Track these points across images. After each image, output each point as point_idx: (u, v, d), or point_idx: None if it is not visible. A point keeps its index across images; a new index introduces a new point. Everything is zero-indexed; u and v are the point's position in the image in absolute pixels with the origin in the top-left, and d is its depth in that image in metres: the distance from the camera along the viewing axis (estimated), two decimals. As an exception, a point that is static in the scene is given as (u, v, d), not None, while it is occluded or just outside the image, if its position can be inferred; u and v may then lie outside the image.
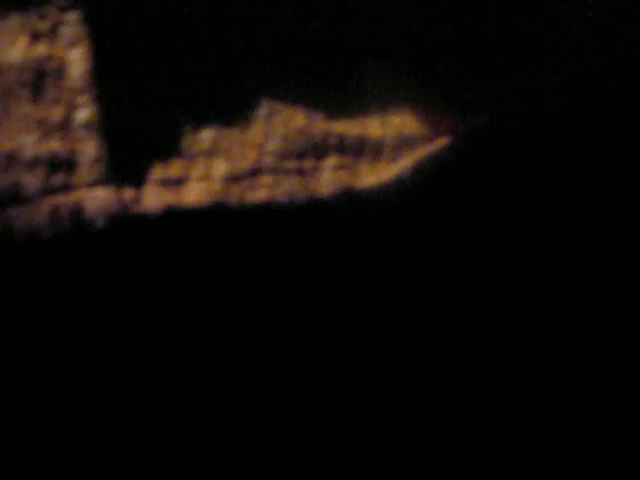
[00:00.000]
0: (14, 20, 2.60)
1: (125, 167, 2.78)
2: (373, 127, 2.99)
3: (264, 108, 2.89)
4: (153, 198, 2.80)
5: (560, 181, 3.06)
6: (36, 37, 2.62)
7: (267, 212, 2.86)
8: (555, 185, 3.06)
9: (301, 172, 2.93)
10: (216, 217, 2.79)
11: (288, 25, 2.85)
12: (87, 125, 2.71)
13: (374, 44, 2.89)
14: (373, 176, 2.95)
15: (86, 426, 2.47)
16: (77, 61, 2.69)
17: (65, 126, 2.68)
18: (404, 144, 2.99)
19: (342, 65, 2.90)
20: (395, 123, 2.98)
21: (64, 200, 2.70)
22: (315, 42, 2.91)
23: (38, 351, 2.65)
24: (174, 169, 2.84)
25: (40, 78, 2.65)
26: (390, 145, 2.99)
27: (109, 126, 2.74)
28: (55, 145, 2.67)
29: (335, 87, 2.92)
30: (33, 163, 2.66)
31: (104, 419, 2.50)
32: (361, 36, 2.88)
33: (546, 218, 3.07)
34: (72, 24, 2.65)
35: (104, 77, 2.73)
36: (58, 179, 2.69)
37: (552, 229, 3.05)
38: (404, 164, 2.96)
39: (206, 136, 2.86)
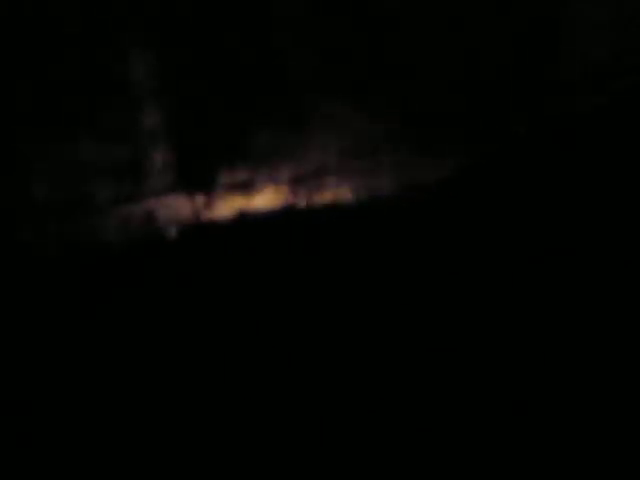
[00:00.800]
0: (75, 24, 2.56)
1: (194, 173, 2.74)
2: (428, 125, 3.05)
3: (322, 111, 2.91)
4: (223, 203, 2.76)
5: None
6: (97, 41, 2.59)
7: (335, 212, 2.86)
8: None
9: (362, 171, 2.95)
10: (287, 220, 2.77)
11: (341, 32, 2.91)
12: (154, 132, 2.67)
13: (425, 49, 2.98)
14: (430, 171, 3.00)
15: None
16: (141, 67, 2.66)
17: (132, 133, 2.64)
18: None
19: (396, 69, 2.97)
20: (450, 120, 3.05)
21: (135, 208, 2.63)
22: (365, 48, 2.97)
23: (105, 357, 2.55)
24: (241, 174, 2.81)
25: (104, 85, 2.60)
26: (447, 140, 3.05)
27: (176, 133, 2.71)
28: (123, 152, 2.61)
29: (390, 89, 2.98)
30: (102, 171, 2.59)
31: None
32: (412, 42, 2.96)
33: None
34: (136, 29, 2.63)
35: (169, 83, 2.70)
36: (128, 187, 2.62)
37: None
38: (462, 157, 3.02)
39: (269, 141, 2.85)
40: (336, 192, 2.94)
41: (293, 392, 2.53)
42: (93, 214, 2.63)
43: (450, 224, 3.04)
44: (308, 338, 2.66)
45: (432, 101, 3.08)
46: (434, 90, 3.10)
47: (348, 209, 2.91)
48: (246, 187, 2.90)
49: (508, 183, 3.21)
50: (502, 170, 3.24)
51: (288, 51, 2.91)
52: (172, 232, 2.68)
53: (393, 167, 3.04)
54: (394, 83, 3.06)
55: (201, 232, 2.73)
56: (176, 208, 2.74)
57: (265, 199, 2.89)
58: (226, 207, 2.83)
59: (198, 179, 2.80)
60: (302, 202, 2.90)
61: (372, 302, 2.78)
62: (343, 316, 2.74)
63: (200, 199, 2.80)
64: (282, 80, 2.94)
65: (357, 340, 2.69)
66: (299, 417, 2.45)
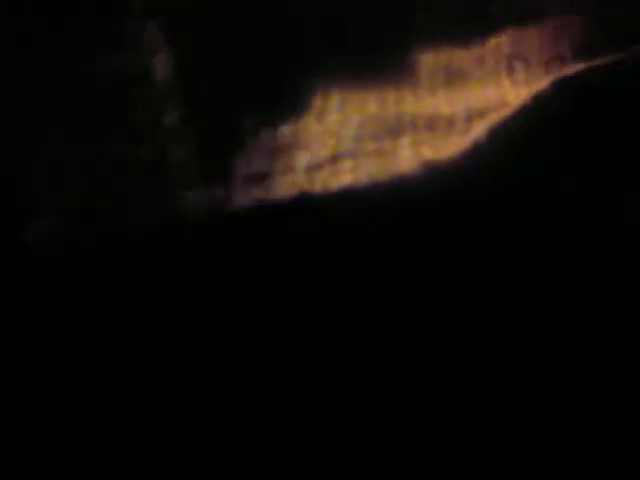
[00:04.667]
0: (94, 29, 2.74)
1: (213, 167, 2.91)
2: (442, 105, 3.07)
3: (337, 99, 2.99)
4: (241, 194, 2.91)
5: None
6: (118, 45, 2.78)
7: (350, 195, 2.94)
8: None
9: (380, 153, 3.01)
10: (301, 207, 2.87)
11: (349, 22, 2.99)
12: (174, 129, 2.85)
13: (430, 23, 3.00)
14: (450, 147, 3.02)
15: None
16: (160, 68, 2.84)
17: (154, 130, 2.83)
18: (475, 116, 3.07)
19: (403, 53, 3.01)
20: (463, 98, 3.06)
21: (160, 201, 2.82)
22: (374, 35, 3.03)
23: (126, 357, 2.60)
24: (258, 165, 2.96)
25: (125, 85, 2.80)
26: (461, 118, 3.06)
27: (195, 129, 2.88)
28: (147, 149, 2.81)
29: (403, 73, 3.02)
30: (128, 167, 2.79)
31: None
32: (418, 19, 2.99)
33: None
34: (152, 32, 2.81)
35: (187, 82, 2.87)
36: (153, 181, 2.82)
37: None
38: (478, 131, 3.02)
39: (285, 131, 2.97)
40: (353, 175, 3.03)
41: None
42: (121, 206, 2.85)
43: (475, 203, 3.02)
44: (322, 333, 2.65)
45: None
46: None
47: (363, 191, 2.97)
48: (263, 178, 3.03)
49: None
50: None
51: (301, 51, 3.01)
52: (193, 223, 2.86)
53: (411, 145, 3.09)
54: (408, 67, 3.11)
55: (219, 222, 2.87)
56: (197, 200, 2.92)
57: (282, 188, 3.01)
58: (244, 197, 2.97)
59: (217, 172, 2.95)
60: (317, 188, 3.00)
61: (389, 295, 2.76)
62: (360, 308, 2.74)
63: (220, 191, 2.95)
64: (296, 76, 3.04)
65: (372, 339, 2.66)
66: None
